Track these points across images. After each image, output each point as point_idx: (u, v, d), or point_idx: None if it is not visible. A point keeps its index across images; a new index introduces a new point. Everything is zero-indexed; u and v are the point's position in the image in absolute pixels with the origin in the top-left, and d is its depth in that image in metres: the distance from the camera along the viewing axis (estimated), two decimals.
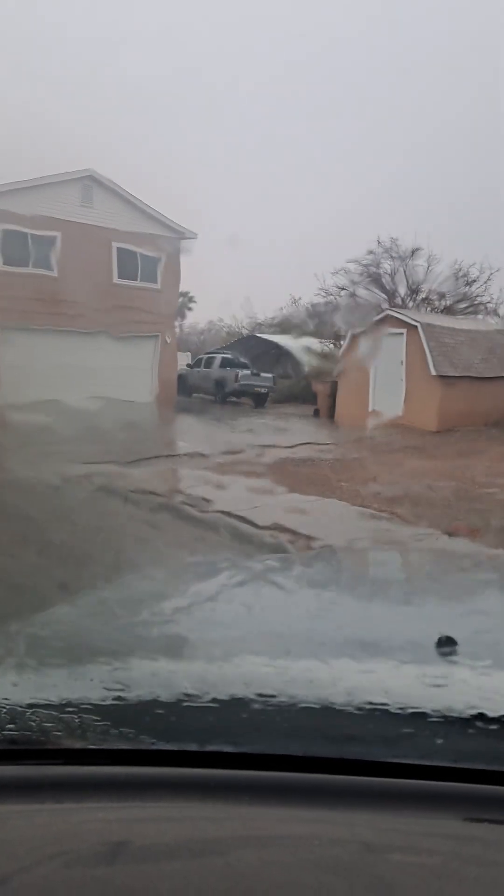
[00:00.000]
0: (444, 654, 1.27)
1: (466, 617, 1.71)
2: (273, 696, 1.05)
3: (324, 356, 24.15)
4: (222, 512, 7.98)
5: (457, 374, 17.12)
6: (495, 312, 26.22)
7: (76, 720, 1.04)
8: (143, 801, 0.94)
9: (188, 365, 26.59)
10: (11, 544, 6.31)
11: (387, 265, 26.76)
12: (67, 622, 1.71)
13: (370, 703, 1.02)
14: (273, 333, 31.72)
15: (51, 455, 11.14)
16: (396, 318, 18.78)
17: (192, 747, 1.02)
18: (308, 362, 25.17)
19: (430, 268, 26.30)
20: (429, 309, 25.23)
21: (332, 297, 28.53)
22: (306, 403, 21.62)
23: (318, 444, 15.03)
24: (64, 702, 1.07)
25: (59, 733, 1.04)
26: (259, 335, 31.21)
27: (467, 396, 17.05)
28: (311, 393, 21.23)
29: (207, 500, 8.50)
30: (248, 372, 24.34)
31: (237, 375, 23.83)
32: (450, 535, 7.11)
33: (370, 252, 26.56)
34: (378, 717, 1.01)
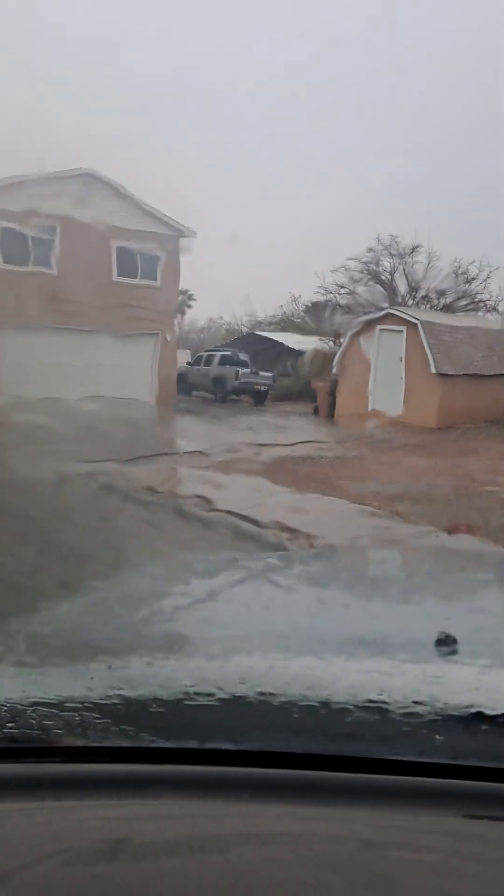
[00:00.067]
0: (443, 652, 1.27)
1: (466, 615, 1.71)
2: (273, 694, 1.05)
3: (323, 354, 24.14)
4: (223, 511, 7.98)
5: (457, 372, 17.12)
6: (495, 309, 26.26)
7: (76, 718, 1.04)
8: (144, 799, 0.94)
9: (188, 363, 26.57)
10: (10, 543, 6.31)
11: (386, 263, 26.79)
12: (67, 620, 1.71)
13: (369, 701, 1.02)
14: (273, 331, 31.72)
15: (49, 453, 11.13)
16: (396, 315, 18.78)
17: (193, 745, 1.02)
18: (308, 360, 25.14)
19: (430, 264, 26.34)
20: (428, 307, 25.23)
21: (331, 294, 28.57)
22: (306, 401, 21.62)
23: (318, 441, 15.04)
24: (64, 700, 1.07)
25: (59, 731, 1.03)
26: (259, 333, 31.20)
27: (467, 394, 17.04)
28: (311, 391, 21.21)
29: (208, 500, 8.50)
30: (247, 370, 24.34)
31: (237, 373, 23.83)
32: (449, 532, 7.11)
33: (370, 250, 26.60)
34: (377, 714, 1.01)
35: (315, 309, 33.63)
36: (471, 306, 26.31)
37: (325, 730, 1.03)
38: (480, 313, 25.54)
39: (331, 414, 19.77)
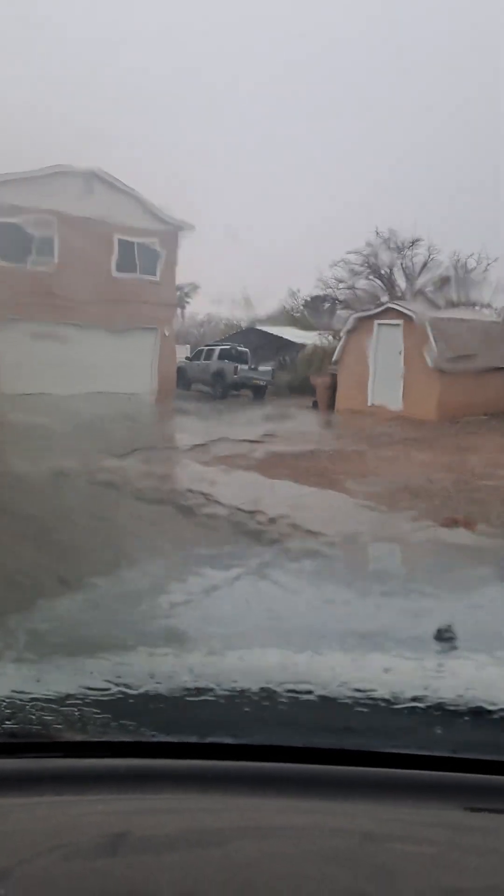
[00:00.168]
0: (443, 646, 1.28)
1: (465, 609, 1.72)
2: (273, 689, 1.05)
3: (323, 349, 24.11)
4: (221, 504, 7.98)
5: (456, 365, 17.08)
6: (489, 306, 26.26)
7: (76, 713, 1.04)
8: (144, 793, 0.94)
9: (187, 358, 26.54)
10: (6, 537, 6.32)
11: (384, 257, 26.78)
12: (67, 616, 1.72)
13: (370, 695, 1.02)
14: (272, 326, 31.66)
15: (48, 448, 11.13)
16: (395, 309, 18.74)
17: (193, 739, 1.02)
18: (307, 355, 25.10)
19: (430, 257, 26.32)
20: (428, 299, 25.21)
21: (330, 289, 28.56)
22: (305, 396, 21.58)
23: (315, 434, 15.01)
24: (64, 695, 1.07)
25: (59, 726, 1.04)
26: (258, 327, 31.14)
27: (467, 387, 17.00)
28: (310, 385, 21.17)
29: (205, 494, 8.49)
30: (246, 365, 24.32)
31: (236, 368, 23.80)
32: (447, 527, 7.10)
33: (368, 244, 26.58)
34: (378, 708, 1.01)
35: (315, 303, 33.60)
36: (470, 299, 26.29)
37: (325, 723, 1.03)
38: (478, 307, 25.53)
39: (331, 408, 19.73)
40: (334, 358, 20.14)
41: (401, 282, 26.71)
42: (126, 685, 1.09)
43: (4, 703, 1.08)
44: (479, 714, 0.99)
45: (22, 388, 17.70)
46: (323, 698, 1.04)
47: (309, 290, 33.55)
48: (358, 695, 1.03)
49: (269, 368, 24.68)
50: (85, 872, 0.81)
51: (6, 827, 0.90)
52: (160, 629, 1.60)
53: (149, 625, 1.62)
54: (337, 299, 28.94)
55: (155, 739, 1.03)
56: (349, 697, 1.03)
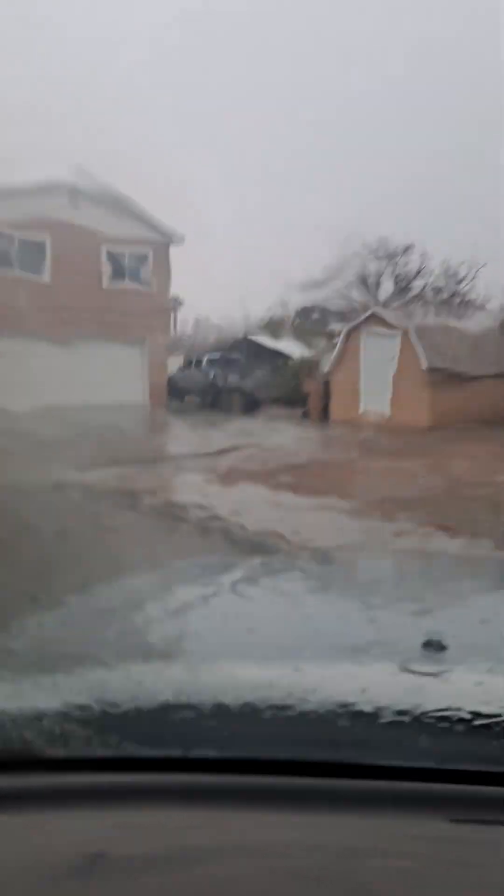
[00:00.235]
0: (429, 656, 1.26)
1: (451, 618, 1.70)
2: (256, 702, 1.04)
3: (313, 358, 24.14)
4: (215, 517, 7.95)
5: (447, 373, 17.15)
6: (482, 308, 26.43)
7: (57, 729, 1.03)
8: (125, 810, 0.93)
9: (178, 368, 26.52)
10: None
11: (372, 266, 26.92)
12: (45, 631, 1.70)
13: (354, 706, 1.01)
14: (263, 336, 31.69)
15: (31, 461, 11.07)
16: (385, 318, 18.81)
17: (176, 753, 1.01)
18: (297, 364, 25.12)
19: (423, 265, 26.47)
20: (419, 307, 25.34)
21: (320, 297, 28.63)
22: (296, 406, 21.56)
23: (308, 443, 15.01)
24: (44, 711, 1.06)
25: (39, 743, 1.02)
26: (249, 337, 31.17)
27: (458, 395, 17.07)
28: (301, 395, 21.18)
29: (202, 507, 8.44)
30: (237, 375, 24.32)
31: (227, 378, 23.81)
32: (435, 534, 7.11)
33: (356, 253, 26.71)
34: (362, 719, 1.00)
35: (305, 313, 33.68)
36: (461, 306, 26.45)
37: (310, 736, 1.02)
38: (471, 312, 25.66)
39: (324, 417, 19.75)
40: (326, 367, 20.18)
41: (390, 290, 26.84)
42: (107, 699, 1.08)
43: None
44: (466, 724, 0.98)
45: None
46: (307, 711, 1.02)
47: (300, 299, 33.64)
48: (342, 706, 1.02)
49: (260, 378, 24.64)
50: (57, 895, 0.79)
51: None
52: (140, 643, 1.59)
53: (130, 638, 1.61)
54: (326, 308, 29.01)
55: (138, 754, 1.01)
56: (333, 709, 1.02)
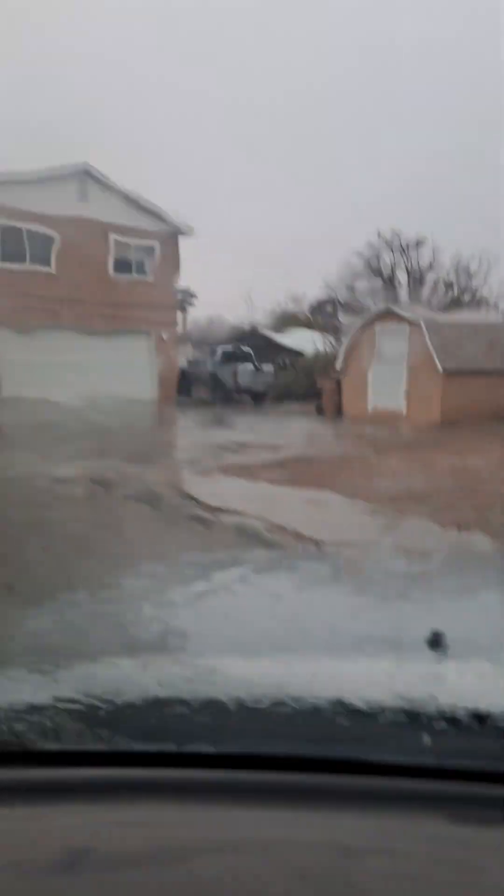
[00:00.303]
0: (430, 653, 1.27)
1: (453, 615, 1.70)
2: (252, 697, 1.03)
3: (326, 353, 23.98)
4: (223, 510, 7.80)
5: (459, 369, 17.02)
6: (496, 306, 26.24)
7: (49, 723, 1.02)
8: (115, 805, 0.91)
9: (188, 361, 26.37)
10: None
11: (387, 258, 26.75)
12: (41, 625, 1.74)
13: (352, 702, 1.00)
14: (275, 329, 31.59)
15: (38, 455, 11.05)
16: (398, 313, 18.65)
17: (170, 748, 1.00)
18: (310, 359, 24.95)
19: (434, 259, 26.29)
20: (432, 302, 25.17)
21: (334, 292, 28.51)
22: (308, 400, 21.38)
23: (322, 440, 14.90)
24: (36, 705, 1.05)
25: (31, 736, 1.01)
26: (260, 331, 31.04)
27: (470, 390, 16.98)
28: (314, 390, 21.01)
29: (218, 508, 8.25)
30: (248, 369, 24.15)
31: (237, 372, 23.66)
32: (445, 530, 6.98)
33: (370, 245, 26.54)
34: (360, 715, 1.00)
35: (319, 307, 33.59)
36: (473, 302, 26.28)
37: (307, 731, 1.01)
38: (482, 309, 25.48)
39: (338, 413, 19.60)
40: (338, 362, 20.02)
41: (404, 283, 26.67)
42: (101, 694, 1.07)
43: None
44: (466, 722, 0.97)
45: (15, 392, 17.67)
46: (304, 706, 1.01)
47: (313, 292, 33.58)
48: (340, 702, 1.01)
49: (271, 372, 24.44)
50: (38, 891, 0.77)
51: None
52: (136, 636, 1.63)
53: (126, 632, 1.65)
54: (340, 303, 28.89)
55: (131, 749, 1.01)
56: (331, 705, 1.01)
